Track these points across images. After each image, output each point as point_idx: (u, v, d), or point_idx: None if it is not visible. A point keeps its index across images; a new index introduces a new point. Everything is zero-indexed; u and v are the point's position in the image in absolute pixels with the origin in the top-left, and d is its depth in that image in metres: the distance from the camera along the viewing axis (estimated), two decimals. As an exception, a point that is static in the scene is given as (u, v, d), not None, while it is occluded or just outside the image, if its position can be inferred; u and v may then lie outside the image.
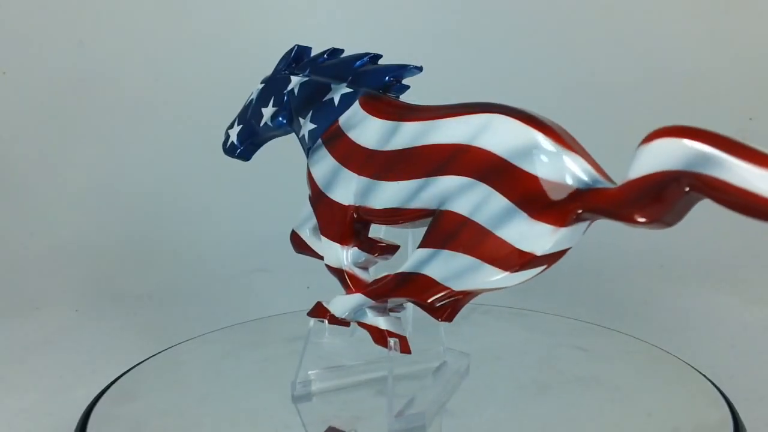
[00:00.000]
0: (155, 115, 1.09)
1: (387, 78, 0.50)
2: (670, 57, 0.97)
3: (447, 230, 0.43)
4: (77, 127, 1.07)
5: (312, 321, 0.53)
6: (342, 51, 0.54)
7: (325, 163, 0.50)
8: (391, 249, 0.51)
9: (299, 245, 0.55)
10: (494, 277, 0.41)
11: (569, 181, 0.39)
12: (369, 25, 1.02)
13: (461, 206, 0.42)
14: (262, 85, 0.57)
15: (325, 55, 0.54)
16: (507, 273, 0.41)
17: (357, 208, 0.49)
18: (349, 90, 0.51)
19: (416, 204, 0.45)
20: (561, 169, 0.39)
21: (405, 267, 0.46)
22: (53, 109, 1.05)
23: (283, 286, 0.91)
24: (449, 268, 0.43)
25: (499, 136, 0.41)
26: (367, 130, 0.48)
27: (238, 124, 0.59)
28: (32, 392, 0.66)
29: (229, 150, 0.60)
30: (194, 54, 1.07)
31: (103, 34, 1.04)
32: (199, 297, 0.91)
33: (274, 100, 0.55)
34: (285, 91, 0.55)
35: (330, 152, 0.50)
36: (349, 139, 0.49)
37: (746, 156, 0.31)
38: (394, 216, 0.47)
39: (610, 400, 0.55)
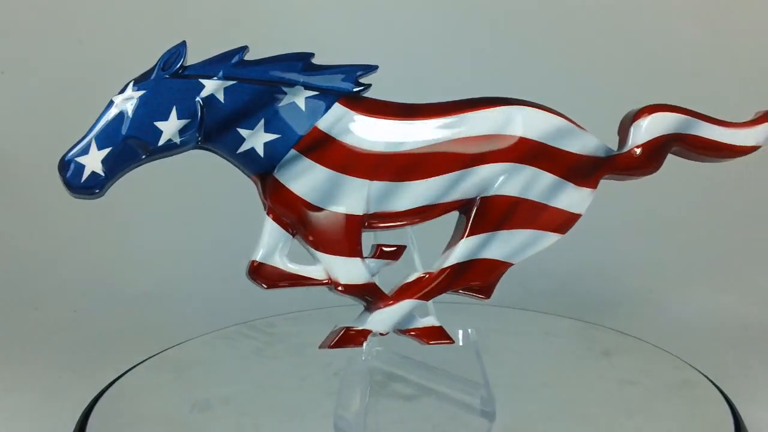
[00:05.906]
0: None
1: (356, 77, 0.47)
2: (668, 56, 0.97)
3: (499, 213, 0.48)
4: (77, 127, 1.07)
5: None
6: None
7: (313, 175, 0.46)
8: (401, 251, 0.50)
9: (273, 277, 0.50)
10: (551, 241, 0.49)
11: (598, 152, 0.49)
12: (367, 23, 1.02)
13: (510, 188, 0.48)
14: (141, 92, 0.46)
15: (239, 55, 0.46)
16: (561, 235, 0.49)
17: (370, 216, 0.48)
18: (315, 93, 0.46)
19: (453, 196, 0.48)
20: (588, 145, 0.49)
21: (456, 258, 0.48)
22: (53, 109, 1.04)
23: (282, 286, 0.90)
24: (511, 245, 0.49)
25: (531, 124, 0.48)
26: (368, 132, 0.47)
27: (101, 148, 0.46)
28: (32, 392, 0.66)
29: (88, 183, 0.46)
30: (194, 54, 1.06)
31: (102, 33, 1.04)
32: (199, 297, 0.91)
33: (179, 111, 0.45)
34: (198, 99, 0.45)
35: (318, 162, 0.46)
36: (345, 144, 0.46)
37: (712, 121, 0.50)
38: (422, 214, 0.48)
39: (609, 400, 0.55)
